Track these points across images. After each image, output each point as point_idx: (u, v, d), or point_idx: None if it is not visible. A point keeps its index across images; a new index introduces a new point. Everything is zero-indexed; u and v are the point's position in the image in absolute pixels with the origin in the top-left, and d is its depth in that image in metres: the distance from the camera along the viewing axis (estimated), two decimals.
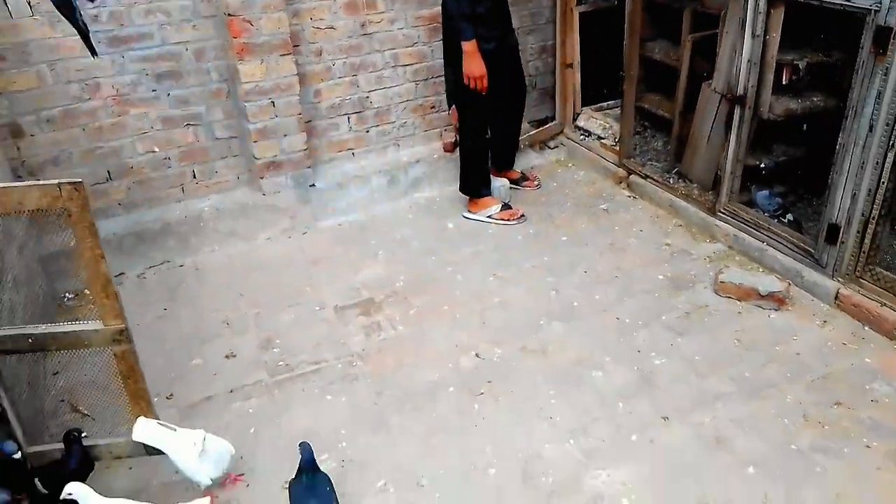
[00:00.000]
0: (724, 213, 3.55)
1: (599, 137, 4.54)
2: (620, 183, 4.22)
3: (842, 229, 2.94)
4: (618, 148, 4.29)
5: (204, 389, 2.78)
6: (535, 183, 4.25)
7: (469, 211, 3.95)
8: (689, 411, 2.54)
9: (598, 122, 4.61)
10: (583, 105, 4.70)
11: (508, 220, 3.87)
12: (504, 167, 4.20)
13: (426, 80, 4.18)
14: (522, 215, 3.89)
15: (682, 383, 2.67)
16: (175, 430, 2.20)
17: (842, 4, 2.71)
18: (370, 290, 3.37)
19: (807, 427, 2.45)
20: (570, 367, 2.79)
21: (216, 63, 3.58)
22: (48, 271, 3.31)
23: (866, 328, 2.88)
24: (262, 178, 3.80)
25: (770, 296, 3.03)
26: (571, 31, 4.42)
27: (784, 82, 3.21)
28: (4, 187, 1.86)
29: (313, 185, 3.95)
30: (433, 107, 4.28)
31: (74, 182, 1.84)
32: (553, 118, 4.71)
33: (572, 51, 4.51)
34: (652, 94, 4.30)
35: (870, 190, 2.79)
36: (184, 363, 2.92)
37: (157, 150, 3.61)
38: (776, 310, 3.03)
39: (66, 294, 3.39)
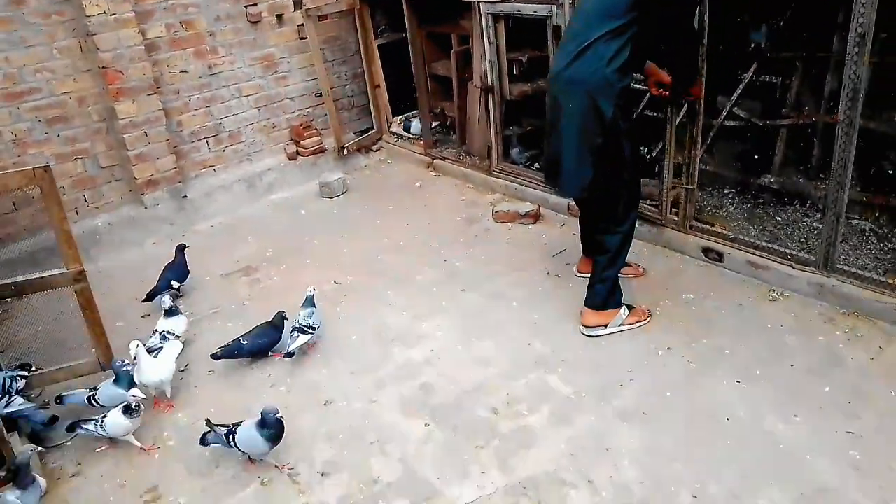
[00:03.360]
0: (497, 172, 4.99)
1: (409, 138, 5.90)
2: (428, 167, 5.58)
3: None
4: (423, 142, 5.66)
5: (130, 338, 3.67)
6: (640, 270, 3.79)
7: (589, 326, 3.30)
8: (478, 284, 3.86)
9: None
10: (394, 115, 6.05)
11: (642, 320, 3.33)
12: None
13: (266, 106, 5.33)
14: (648, 311, 3.39)
15: (473, 272, 4.00)
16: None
17: (532, 15, 4.23)
18: (247, 261, 4.42)
19: (549, 279, 3.85)
20: (400, 276, 4.03)
21: (96, 107, 4.51)
22: None
23: None
24: (143, 194, 4.73)
25: (527, 214, 4.47)
26: (374, 60, 5.77)
27: (516, 73, 4.72)
28: None
29: (185, 196, 4.93)
30: (275, 126, 5.42)
31: (44, 166, 2.80)
32: (372, 127, 6.01)
33: (378, 75, 5.85)
34: (445, 101, 5.75)
35: None
36: (110, 327, 3.76)
37: None
38: (533, 223, 4.47)
39: None
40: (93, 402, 2.98)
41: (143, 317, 3.90)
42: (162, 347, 3.25)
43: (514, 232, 4.41)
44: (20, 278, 3.01)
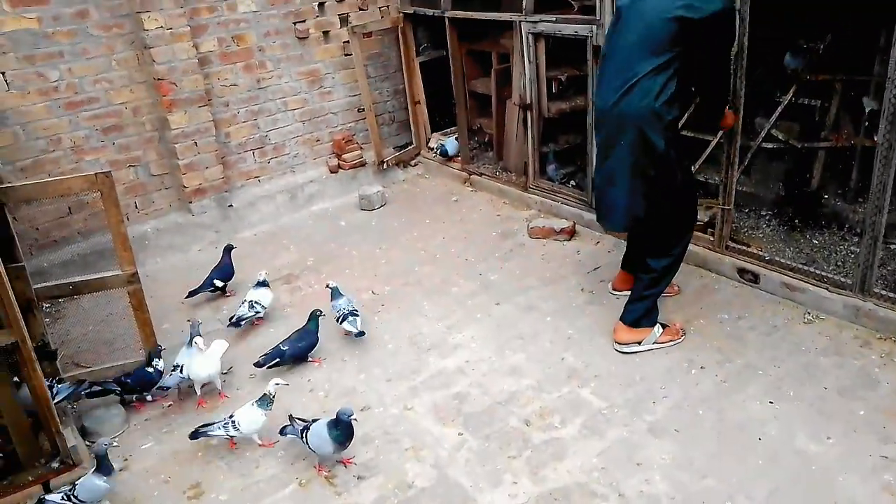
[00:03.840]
0: (533, 188, 5.07)
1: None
2: (465, 183, 5.67)
3: None
4: (460, 158, 5.77)
5: (177, 339, 3.83)
6: (675, 289, 3.80)
7: (622, 343, 3.34)
8: (512, 297, 3.93)
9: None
10: (433, 131, 6.17)
11: (676, 339, 3.36)
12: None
13: (310, 119, 5.50)
14: (682, 329, 3.42)
15: (507, 285, 4.07)
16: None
17: (573, 35, 4.31)
18: (288, 268, 4.56)
19: (583, 294, 3.90)
20: (435, 287, 4.13)
21: (149, 116, 4.72)
22: None
23: (621, 240, 4.40)
24: (190, 202, 4.91)
25: (562, 231, 4.53)
26: (415, 77, 5.90)
27: (554, 91, 4.81)
28: (59, 179, 2.96)
29: (231, 205, 5.11)
30: (318, 140, 5.58)
31: (106, 172, 2.97)
32: (411, 143, 6.14)
33: (418, 91, 5.99)
34: (483, 118, 5.86)
35: None
36: (157, 327, 3.94)
37: None
38: (568, 240, 4.53)
39: None
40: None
41: (188, 321, 4.04)
42: (249, 316, 3.83)
43: (549, 248, 4.48)
44: (78, 278, 3.18)
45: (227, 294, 4.26)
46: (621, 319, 3.39)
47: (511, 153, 5.33)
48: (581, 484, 2.60)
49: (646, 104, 2.92)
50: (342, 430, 2.69)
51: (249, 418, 2.87)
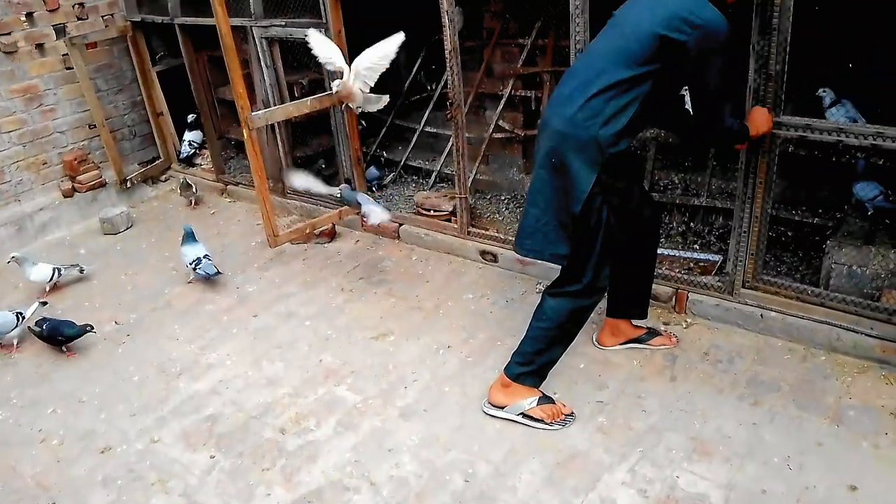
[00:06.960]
0: (291, 193, 5.02)
1: (200, 165, 5.75)
2: (222, 193, 5.47)
3: (353, 181, 4.58)
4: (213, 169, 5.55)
5: None
6: (674, 339, 3.28)
7: (491, 404, 2.86)
8: (270, 306, 3.87)
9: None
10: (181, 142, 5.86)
11: (549, 421, 2.78)
12: (635, 314, 3.20)
13: (32, 141, 4.93)
14: (570, 414, 2.84)
15: (266, 294, 4.01)
16: None
17: (304, 38, 4.30)
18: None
19: (342, 294, 3.95)
20: (188, 307, 3.95)
21: None
22: None
23: (379, 237, 4.54)
24: None
25: (322, 233, 4.54)
26: (153, 88, 5.55)
27: (297, 95, 4.79)
28: None
29: None
30: (45, 163, 5.03)
31: None
32: (159, 157, 5.77)
33: (160, 102, 5.64)
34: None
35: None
36: None
37: None
38: (328, 241, 4.56)
39: None
40: None
41: None
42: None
43: (310, 252, 4.47)
44: None
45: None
46: (504, 370, 2.85)
47: (265, 159, 5.22)
48: (334, 482, 2.63)
49: (589, 126, 2.36)
50: None
51: None
